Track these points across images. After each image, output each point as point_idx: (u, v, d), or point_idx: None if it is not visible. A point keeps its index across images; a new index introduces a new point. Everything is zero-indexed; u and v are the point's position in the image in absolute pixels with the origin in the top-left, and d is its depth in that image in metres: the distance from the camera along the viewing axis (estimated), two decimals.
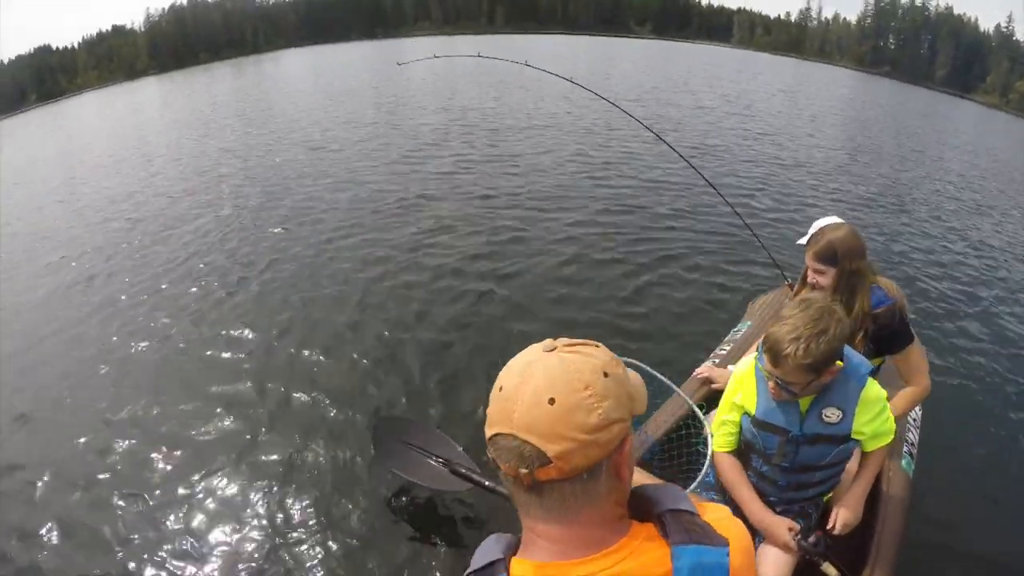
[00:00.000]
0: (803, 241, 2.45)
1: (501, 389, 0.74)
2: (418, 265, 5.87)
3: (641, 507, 0.78)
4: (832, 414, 1.76)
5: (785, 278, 3.77)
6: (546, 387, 0.69)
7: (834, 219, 2.47)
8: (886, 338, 2.20)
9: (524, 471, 0.69)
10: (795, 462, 1.85)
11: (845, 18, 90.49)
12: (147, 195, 9.55)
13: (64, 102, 47.13)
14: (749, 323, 3.62)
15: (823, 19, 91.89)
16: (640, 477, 1.45)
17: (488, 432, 0.74)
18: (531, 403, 0.69)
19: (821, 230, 2.27)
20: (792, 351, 1.60)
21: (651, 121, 4.26)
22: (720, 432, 2.02)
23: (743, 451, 1.98)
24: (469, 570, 0.76)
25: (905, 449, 2.53)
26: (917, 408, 2.78)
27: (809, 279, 2.30)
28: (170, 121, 19.11)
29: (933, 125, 23.21)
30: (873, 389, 1.79)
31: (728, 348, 3.32)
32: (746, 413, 1.91)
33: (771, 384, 1.74)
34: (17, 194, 11.42)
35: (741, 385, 1.93)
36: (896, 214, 8.58)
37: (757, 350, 1.84)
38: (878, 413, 1.80)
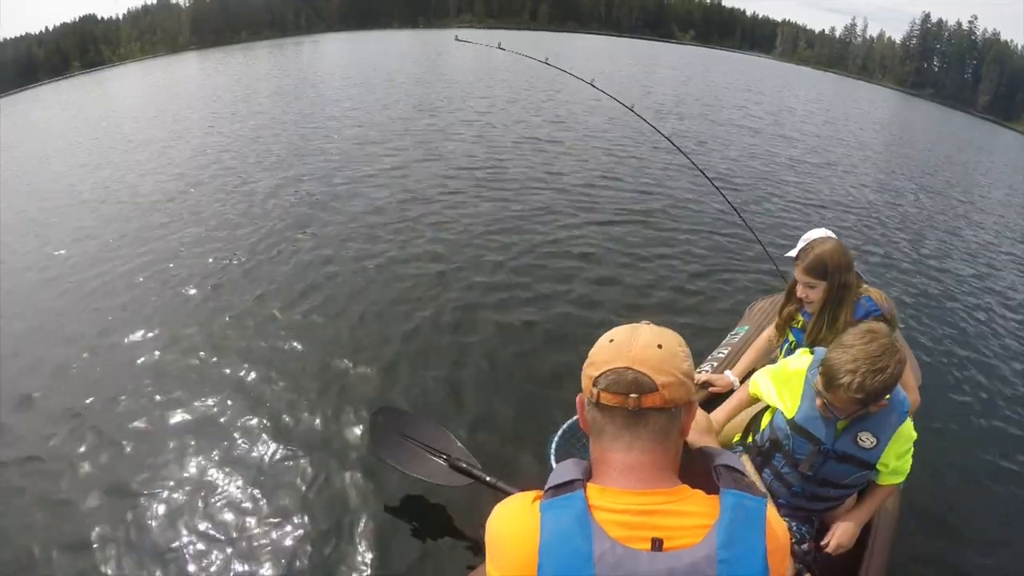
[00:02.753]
0: (792, 254, 2.44)
1: (612, 340, 0.92)
2: (430, 265, 5.78)
3: (699, 464, 0.94)
4: (867, 439, 1.78)
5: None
6: (655, 338, 0.91)
7: (823, 231, 2.45)
8: None
9: (634, 396, 0.86)
10: (818, 473, 1.86)
11: (890, 37, 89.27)
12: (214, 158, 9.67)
13: (106, 71, 47.89)
14: (747, 327, 3.58)
15: (868, 37, 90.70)
16: None
17: (599, 370, 0.90)
18: (644, 346, 0.89)
19: (809, 245, 2.26)
20: (847, 382, 1.60)
21: (672, 131, 4.20)
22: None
23: (767, 449, 1.97)
24: (549, 484, 0.89)
25: None
26: None
27: (799, 293, 2.29)
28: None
29: (973, 153, 22.73)
30: (908, 427, 1.80)
31: (726, 352, 3.28)
32: (782, 413, 1.90)
33: (819, 401, 1.76)
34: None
35: (790, 380, 1.92)
36: (909, 234, 8.47)
37: (812, 355, 1.87)
38: (906, 451, 1.83)
